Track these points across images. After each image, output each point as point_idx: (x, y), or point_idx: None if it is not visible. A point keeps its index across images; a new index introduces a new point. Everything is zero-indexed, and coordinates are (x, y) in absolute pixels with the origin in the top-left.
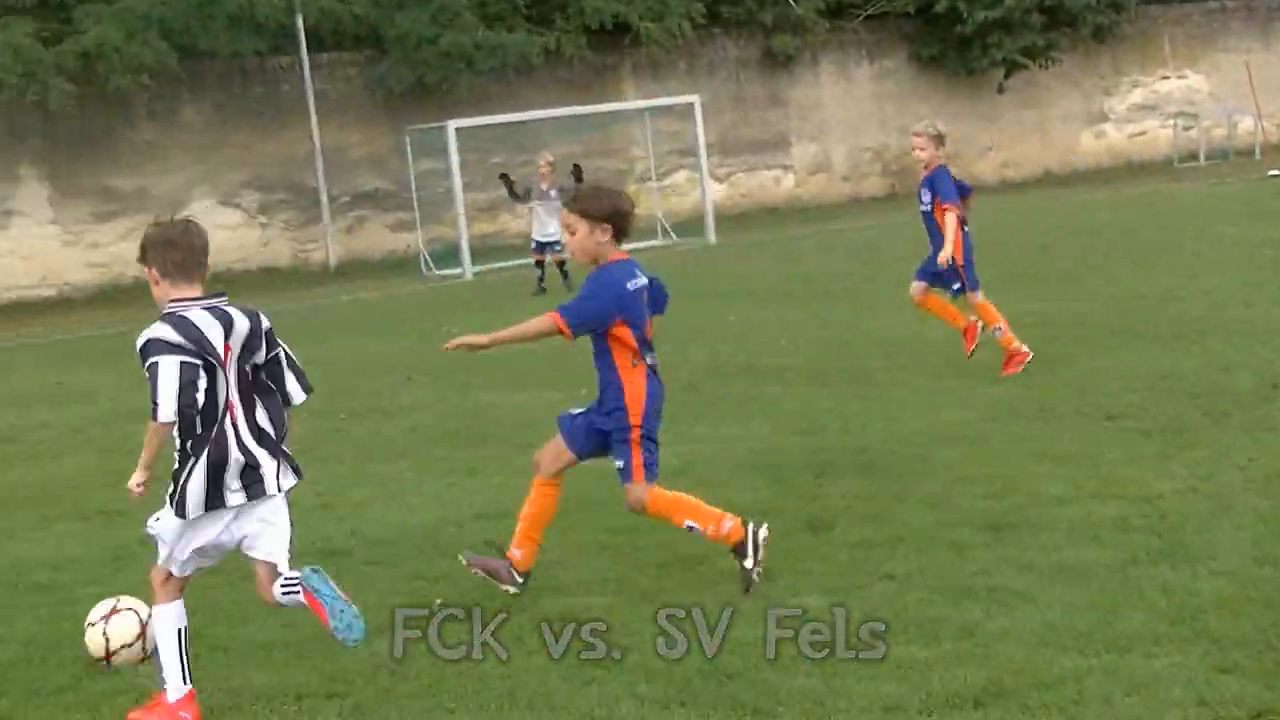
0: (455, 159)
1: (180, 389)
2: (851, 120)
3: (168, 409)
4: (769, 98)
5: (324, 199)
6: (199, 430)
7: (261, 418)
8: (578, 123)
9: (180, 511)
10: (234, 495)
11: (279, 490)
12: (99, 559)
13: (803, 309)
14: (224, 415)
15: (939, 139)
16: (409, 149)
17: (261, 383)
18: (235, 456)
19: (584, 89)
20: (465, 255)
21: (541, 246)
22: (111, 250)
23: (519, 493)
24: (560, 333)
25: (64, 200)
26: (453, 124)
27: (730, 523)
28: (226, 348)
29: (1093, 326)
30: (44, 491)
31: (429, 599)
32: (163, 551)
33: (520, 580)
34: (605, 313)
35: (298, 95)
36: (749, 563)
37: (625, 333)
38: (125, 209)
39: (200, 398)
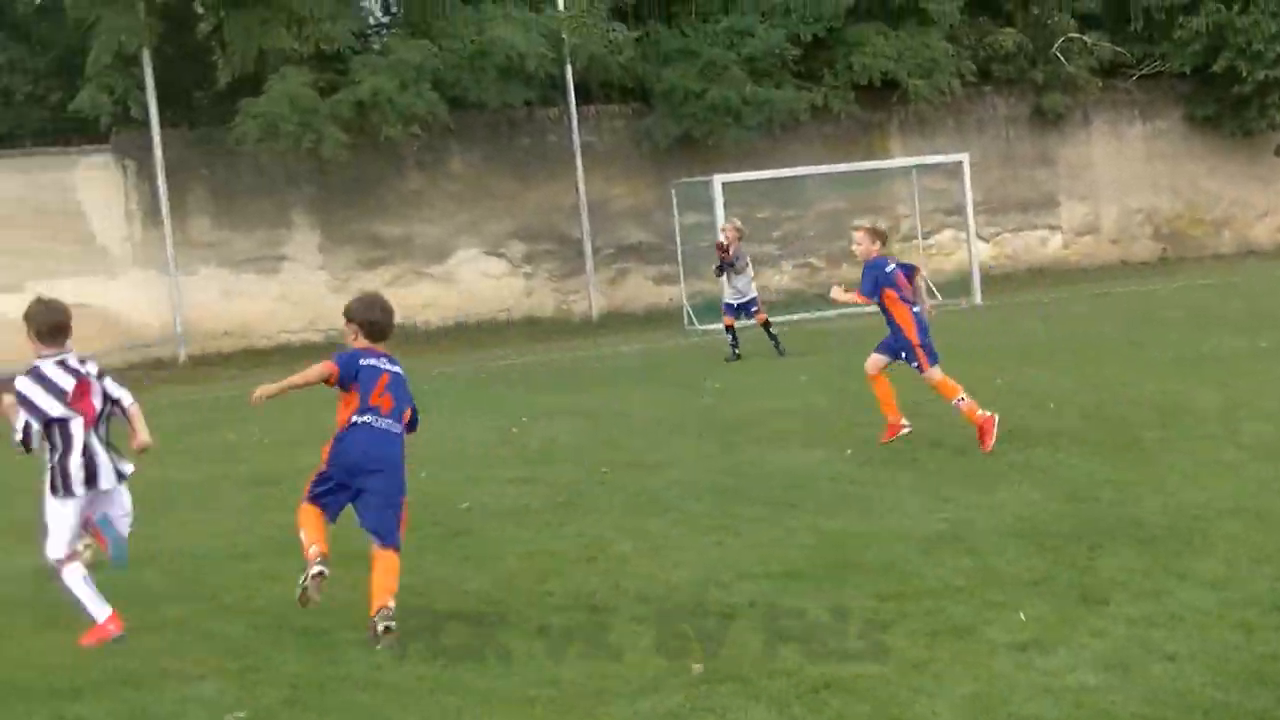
0: (720, 213)
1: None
2: (1122, 181)
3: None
4: (1038, 156)
5: (588, 250)
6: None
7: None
8: (843, 179)
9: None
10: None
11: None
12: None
13: (1072, 373)
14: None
15: (878, 234)
16: (674, 202)
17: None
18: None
19: (850, 145)
20: None
21: (734, 309)
22: None
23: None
24: (331, 374)
25: (333, 247)
26: (718, 178)
27: (314, 550)
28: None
29: None
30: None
31: (693, 657)
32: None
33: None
34: (350, 374)
35: (564, 146)
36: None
37: (354, 395)
38: (391, 257)
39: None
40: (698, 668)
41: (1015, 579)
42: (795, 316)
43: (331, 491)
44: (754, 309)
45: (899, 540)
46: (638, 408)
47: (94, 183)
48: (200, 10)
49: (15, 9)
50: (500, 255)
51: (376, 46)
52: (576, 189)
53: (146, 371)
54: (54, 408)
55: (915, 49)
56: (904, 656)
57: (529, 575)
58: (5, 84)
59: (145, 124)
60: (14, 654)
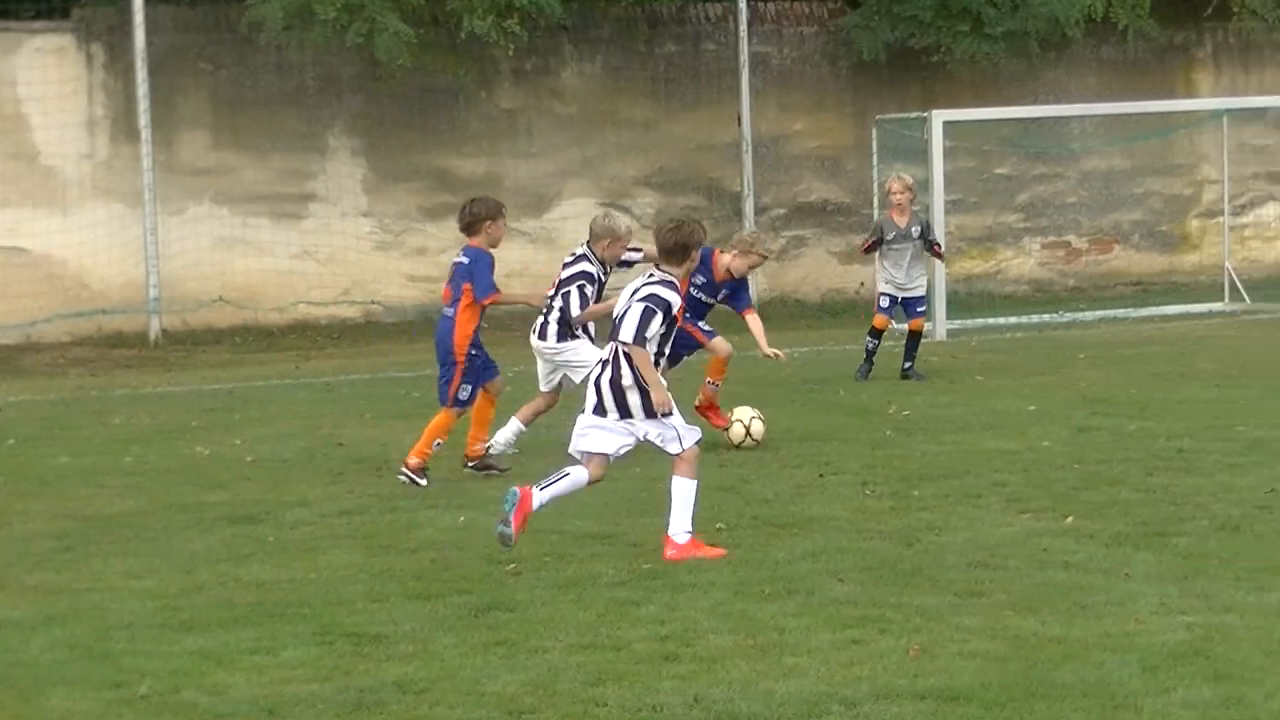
0: (939, 164)
1: None
2: None
3: None
4: None
5: (749, 209)
6: None
7: None
8: (1125, 125)
9: None
10: None
11: None
12: (333, 704)
13: None
14: None
15: None
16: (875, 146)
17: None
18: None
19: (1139, 76)
20: (940, 305)
21: (892, 303)
22: (443, 260)
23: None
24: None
25: (383, 186)
26: (940, 114)
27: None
28: None
29: None
30: (280, 599)
31: None
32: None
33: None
34: None
35: (726, 59)
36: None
37: None
38: None
39: None
40: None
41: None
42: (1039, 318)
43: None
44: (921, 308)
45: (1114, 651)
46: (784, 439)
47: (43, 74)
48: None
49: None
50: (623, 209)
51: None
52: (739, 121)
53: (102, 350)
54: None
55: None
56: None
57: (576, 675)
58: None
59: None
60: None
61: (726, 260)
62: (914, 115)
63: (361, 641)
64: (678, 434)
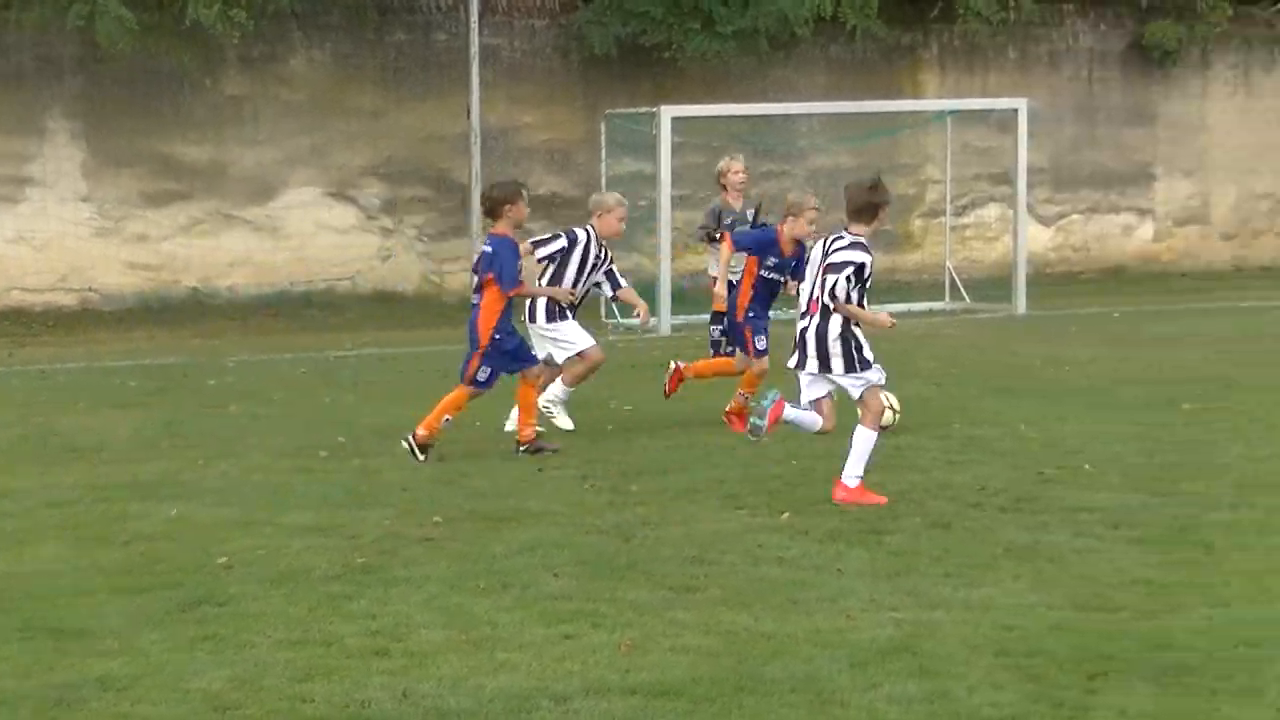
0: (666, 159)
1: None
2: (1249, 151)
3: None
4: (1131, 110)
5: (476, 201)
6: None
7: None
8: (852, 124)
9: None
10: None
11: None
12: (32, 701)
13: (1133, 421)
14: None
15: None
16: (603, 140)
17: None
18: None
19: (867, 76)
20: (665, 299)
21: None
22: (164, 248)
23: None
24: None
25: (103, 170)
26: (669, 110)
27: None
28: None
29: None
30: None
31: None
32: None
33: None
34: None
35: (457, 49)
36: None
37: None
38: (191, 191)
39: None
40: None
41: (974, 716)
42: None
43: None
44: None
45: (824, 647)
46: (502, 433)
47: None
48: None
49: None
50: (349, 200)
51: None
52: (468, 113)
53: None
54: None
55: None
56: None
57: (284, 671)
58: None
59: None
60: None
61: (786, 230)
62: (643, 110)
63: (64, 637)
64: (866, 383)
